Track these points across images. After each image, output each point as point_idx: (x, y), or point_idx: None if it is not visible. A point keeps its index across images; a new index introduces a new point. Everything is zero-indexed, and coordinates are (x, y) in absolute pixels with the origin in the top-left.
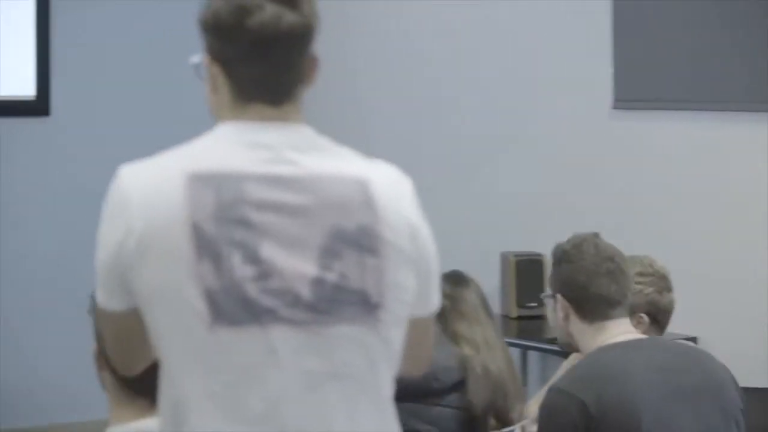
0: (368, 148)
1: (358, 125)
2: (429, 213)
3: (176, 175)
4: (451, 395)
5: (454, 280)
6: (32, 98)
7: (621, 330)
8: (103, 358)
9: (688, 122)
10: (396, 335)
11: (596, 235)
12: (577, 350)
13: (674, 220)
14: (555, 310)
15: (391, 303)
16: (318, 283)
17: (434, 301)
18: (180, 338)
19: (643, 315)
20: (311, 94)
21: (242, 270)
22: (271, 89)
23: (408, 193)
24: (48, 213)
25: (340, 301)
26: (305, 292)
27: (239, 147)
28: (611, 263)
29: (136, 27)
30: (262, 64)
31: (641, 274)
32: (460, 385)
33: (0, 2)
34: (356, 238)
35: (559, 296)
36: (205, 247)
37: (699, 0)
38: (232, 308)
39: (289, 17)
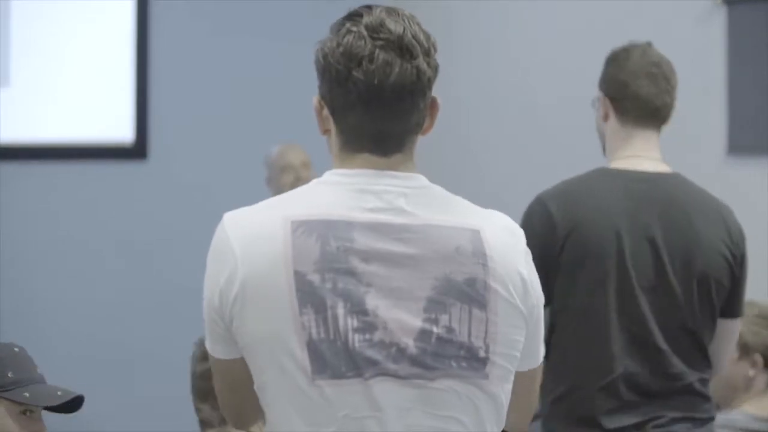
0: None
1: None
2: None
3: (279, 222)
4: None
5: None
6: (130, 142)
7: (646, 147)
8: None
9: None
10: (504, 391)
11: (649, 44)
12: None
13: None
14: (598, 110)
15: (500, 358)
16: (423, 336)
17: (541, 352)
18: (282, 389)
19: (758, 355)
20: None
21: (346, 321)
22: (379, 140)
23: (521, 244)
24: (144, 258)
25: (446, 356)
26: (410, 345)
27: (346, 194)
28: (656, 68)
29: (236, 70)
30: (371, 114)
31: (760, 316)
32: None
33: (100, 45)
34: (465, 290)
35: (601, 94)
36: (308, 296)
37: None
38: (335, 360)
39: (400, 68)
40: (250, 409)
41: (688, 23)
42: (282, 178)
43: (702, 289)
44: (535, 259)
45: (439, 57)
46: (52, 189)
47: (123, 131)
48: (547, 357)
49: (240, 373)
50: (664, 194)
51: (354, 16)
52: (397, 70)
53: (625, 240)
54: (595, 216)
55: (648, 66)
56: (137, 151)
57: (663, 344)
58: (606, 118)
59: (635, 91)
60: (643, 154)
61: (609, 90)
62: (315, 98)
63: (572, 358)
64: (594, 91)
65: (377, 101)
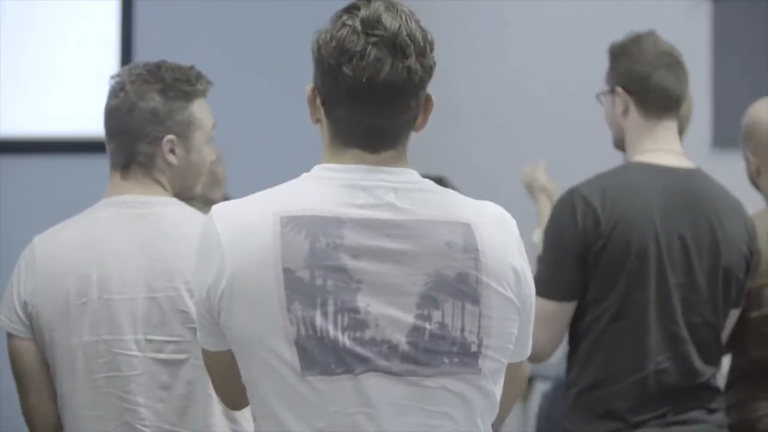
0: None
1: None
2: (526, 239)
3: (268, 218)
4: None
5: (436, 182)
6: None
7: (670, 139)
8: None
9: None
10: (497, 384)
11: (654, 32)
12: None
13: None
14: (613, 105)
15: (493, 351)
16: (415, 332)
17: (529, 346)
18: (271, 385)
19: None
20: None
21: (336, 319)
22: (369, 136)
23: (513, 235)
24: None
25: (438, 352)
26: (402, 342)
27: (336, 189)
28: (670, 57)
29: (222, 66)
30: (359, 110)
31: None
32: None
33: (88, 38)
34: (457, 285)
35: (619, 89)
36: (297, 293)
37: None
38: (324, 358)
39: (391, 66)
40: (243, 394)
41: (673, 18)
42: None
43: (725, 286)
44: (576, 252)
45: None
46: (41, 183)
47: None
48: (574, 350)
49: (230, 363)
50: (691, 190)
51: (352, 9)
52: (387, 68)
53: (662, 237)
54: (637, 212)
55: (663, 55)
56: None
57: (689, 340)
58: (626, 112)
59: (658, 83)
60: (667, 147)
61: (629, 83)
62: (309, 87)
63: (605, 351)
64: (586, 84)
65: (366, 98)
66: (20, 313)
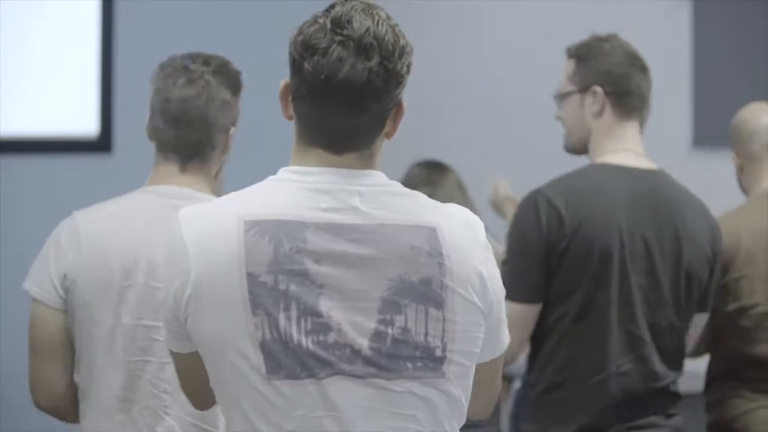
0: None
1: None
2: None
3: (233, 222)
4: None
5: (434, 167)
6: (95, 135)
7: (635, 141)
8: None
9: None
10: (462, 388)
11: (616, 34)
12: (584, 152)
13: None
14: (582, 105)
15: (458, 356)
16: (378, 337)
17: (503, 342)
18: (238, 389)
19: None
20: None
21: (299, 323)
22: (330, 135)
23: (480, 239)
24: None
25: (401, 357)
26: (364, 346)
27: (300, 193)
28: (640, 59)
29: None
30: (318, 108)
31: None
32: None
33: (63, 38)
34: (421, 290)
35: (597, 89)
36: (261, 298)
37: None
38: (289, 362)
39: (352, 67)
40: (210, 396)
41: (654, 18)
42: None
43: (687, 287)
44: (540, 253)
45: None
46: (14, 182)
47: (87, 124)
48: (536, 350)
49: (197, 366)
50: (655, 191)
51: (330, 8)
52: (347, 68)
53: (625, 238)
54: (601, 213)
55: (635, 58)
56: (102, 144)
57: (650, 343)
58: (600, 112)
59: (637, 84)
60: (631, 148)
61: (608, 83)
62: (283, 82)
63: (566, 352)
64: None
65: (325, 96)
66: (57, 284)
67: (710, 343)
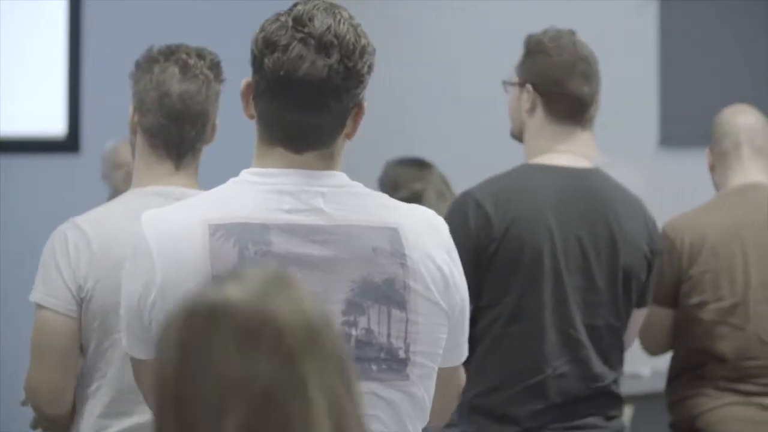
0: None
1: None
2: None
3: (197, 225)
4: None
5: (417, 163)
6: (62, 135)
7: (571, 142)
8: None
9: None
10: (426, 389)
11: (573, 32)
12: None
13: None
14: (519, 99)
15: (421, 357)
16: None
17: (464, 350)
18: None
19: None
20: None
21: None
22: (290, 133)
23: (443, 240)
24: None
25: (365, 359)
26: None
27: (263, 195)
28: (587, 65)
29: None
30: (276, 105)
31: None
32: None
33: (31, 38)
34: (383, 291)
35: (529, 87)
36: None
37: (748, 37)
38: None
39: (311, 64)
40: None
41: (620, 17)
42: (114, 174)
43: (625, 287)
44: (469, 257)
45: (379, 56)
46: None
47: (55, 123)
48: (470, 353)
49: None
50: (588, 190)
51: (293, 6)
52: (306, 65)
53: (557, 238)
54: (531, 214)
55: (581, 62)
56: (69, 144)
57: (588, 344)
58: (532, 111)
59: (571, 90)
60: (566, 149)
61: (540, 84)
62: (244, 80)
63: (501, 355)
64: None
65: (284, 93)
66: (74, 293)
67: (673, 338)
